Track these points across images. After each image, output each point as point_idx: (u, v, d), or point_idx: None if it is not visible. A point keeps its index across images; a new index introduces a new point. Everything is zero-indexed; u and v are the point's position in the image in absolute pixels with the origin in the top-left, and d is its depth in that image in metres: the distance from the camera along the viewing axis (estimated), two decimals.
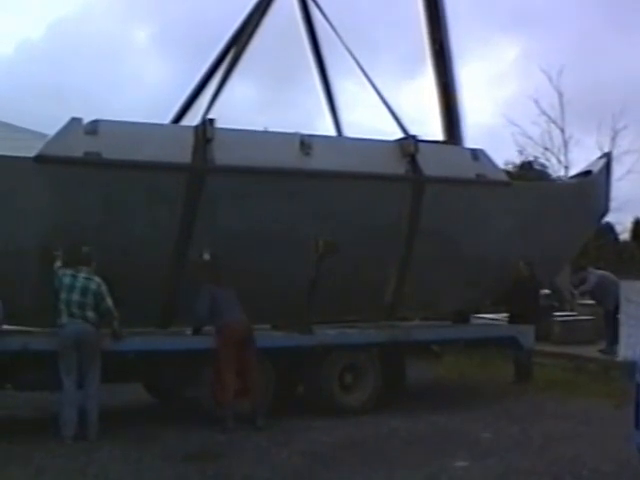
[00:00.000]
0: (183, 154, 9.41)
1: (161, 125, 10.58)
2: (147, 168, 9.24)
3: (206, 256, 9.50)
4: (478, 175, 11.01)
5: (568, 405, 10.73)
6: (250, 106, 41.87)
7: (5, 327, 8.80)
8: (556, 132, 28.05)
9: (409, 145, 10.61)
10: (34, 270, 8.92)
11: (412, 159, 10.60)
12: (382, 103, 11.39)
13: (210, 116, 10.10)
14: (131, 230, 9.22)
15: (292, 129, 11.49)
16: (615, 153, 19.63)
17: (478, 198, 10.97)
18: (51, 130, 9.25)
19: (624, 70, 37.95)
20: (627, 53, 41.88)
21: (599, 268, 16.05)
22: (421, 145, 10.75)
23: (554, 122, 27.89)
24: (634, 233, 35.49)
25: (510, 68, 46.48)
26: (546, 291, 15.49)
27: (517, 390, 11.79)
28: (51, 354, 8.60)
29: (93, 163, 9.01)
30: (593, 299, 15.73)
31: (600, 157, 13.51)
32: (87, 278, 8.73)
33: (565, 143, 27.99)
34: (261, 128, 15.12)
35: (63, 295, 8.66)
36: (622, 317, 14.45)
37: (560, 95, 27.39)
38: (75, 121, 9.11)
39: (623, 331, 14.19)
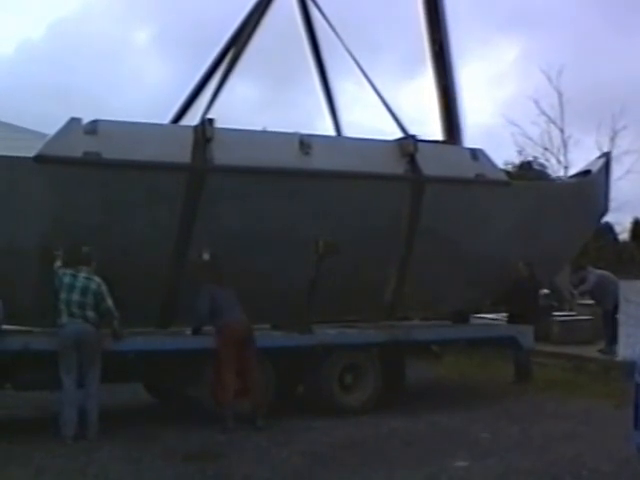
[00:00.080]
0: (183, 154, 9.41)
1: (161, 125, 10.57)
2: (147, 168, 9.23)
3: (205, 256, 9.50)
4: (477, 175, 11.00)
5: (568, 405, 10.73)
6: (250, 106, 41.92)
7: (5, 327, 8.79)
8: (555, 132, 28.10)
9: (408, 145, 10.61)
10: (34, 270, 8.92)
11: (411, 159, 10.60)
12: (381, 103, 11.39)
13: (210, 116, 10.09)
14: (131, 230, 9.22)
15: (292, 129, 11.51)
16: (614, 153, 19.66)
17: (478, 198, 10.97)
18: (51, 130, 9.25)
19: (624, 70, 37.97)
20: (627, 53, 41.88)
21: (599, 268, 16.05)
22: (420, 145, 10.75)
23: (554, 122, 27.94)
24: (633, 233, 35.49)
25: (510, 68, 46.49)
26: (546, 291, 15.50)
27: (517, 390, 11.79)
28: (51, 354, 8.60)
29: (93, 163, 9.01)
30: (592, 299, 15.72)
31: (599, 157, 13.50)
32: (87, 278, 8.73)
33: (564, 143, 28.04)
34: (260, 128, 15.18)
35: (63, 295, 8.66)
36: (621, 317, 14.45)
37: (560, 95, 27.43)
38: (74, 121, 9.10)
39: (622, 331, 14.18)
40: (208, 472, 7.37)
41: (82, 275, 8.74)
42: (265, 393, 9.64)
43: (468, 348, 12.64)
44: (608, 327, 14.77)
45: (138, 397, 10.92)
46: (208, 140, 9.49)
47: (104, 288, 8.74)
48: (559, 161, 28.21)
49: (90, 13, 55.45)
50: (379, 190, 10.33)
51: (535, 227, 11.47)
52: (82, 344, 8.58)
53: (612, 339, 14.42)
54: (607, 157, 13.37)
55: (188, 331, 9.87)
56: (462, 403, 10.92)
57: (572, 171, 18.63)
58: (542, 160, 29.40)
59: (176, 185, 9.34)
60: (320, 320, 10.55)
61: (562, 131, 27.97)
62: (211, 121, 9.69)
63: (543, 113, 27.72)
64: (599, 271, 15.46)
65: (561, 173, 26.94)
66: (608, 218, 21.55)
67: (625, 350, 13.46)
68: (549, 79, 27.39)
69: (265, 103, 46.80)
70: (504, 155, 29.96)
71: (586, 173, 12.90)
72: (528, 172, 28.57)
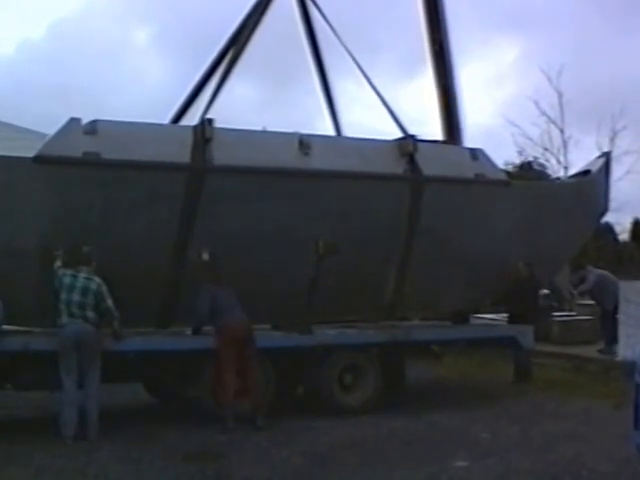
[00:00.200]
0: (182, 154, 9.40)
1: (160, 125, 10.58)
2: (146, 168, 9.23)
3: (205, 256, 9.50)
4: (477, 175, 11.00)
5: (568, 405, 10.72)
6: (249, 106, 42.00)
7: (5, 327, 8.79)
8: (555, 132, 28.17)
9: (408, 145, 10.61)
10: (34, 270, 8.91)
11: (411, 159, 10.59)
12: (381, 103, 11.41)
13: (209, 116, 10.10)
14: (130, 230, 9.22)
15: (291, 129, 11.50)
16: (614, 153, 19.65)
17: (477, 198, 10.97)
18: (51, 130, 9.25)
19: (623, 70, 38.07)
20: (626, 53, 41.98)
21: (598, 268, 16.05)
22: (420, 145, 10.75)
23: (554, 122, 28.00)
24: (633, 233, 35.54)
25: (509, 69, 46.59)
26: (545, 291, 15.49)
27: (517, 390, 11.78)
28: (51, 354, 8.60)
29: (92, 163, 9.00)
30: (592, 299, 15.73)
31: (599, 156, 13.49)
32: (87, 278, 8.73)
33: (564, 143, 28.10)
34: (260, 128, 15.18)
35: (63, 295, 8.66)
36: (621, 317, 14.45)
37: (560, 95, 27.49)
38: (74, 121, 9.10)
39: (622, 331, 14.19)
40: (208, 472, 7.37)
41: (82, 275, 8.74)
42: (265, 393, 9.65)
43: (468, 348, 12.64)
44: (607, 327, 14.78)
45: (138, 397, 10.91)
46: (207, 140, 9.48)
47: (104, 288, 8.74)
48: (559, 161, 28.30)
49: (90, 13, 55.64)
50: (379, 190, 10.33)
51: (535, 227, 11.47)
52: (82, 344, 8.58)
53: (612, 339, 14.42)
54: (607, 157, 13.37)
55: (188, 331, 9.87)
56: (462, 403, 10.91)
57: (572, 171, 18.66)
58: (542, 160, 29.47)
59: (176, 185, 9.34)
60: (320, 320, 10.55)
61: (562, 131, 28.04)
62: (211, 121, 9.68)
63: (543, 113, 27.79)
64: (599, 271, 15.48)
65: (561, 173, 26.99)
66: (608, 218, 21.64)
67: (625, 350, 13.45)
68: (549, 79, 27.47)
69: (265, 103, 46.90)
70: (504, 155, 30.07)
71: (586, 173, 12.90)
72: (528, 172, 28.61)
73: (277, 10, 11.91)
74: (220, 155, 9.54)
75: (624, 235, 35.46)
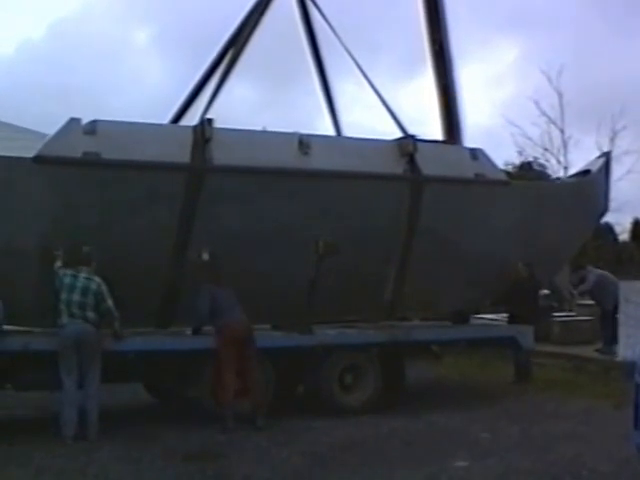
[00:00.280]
0: (182, 154, 9.40)
1: (160, 125, 10.58)
2: (146, 168, 9.23)
3: (205, 256, 9.50)
4: (477, 174, 11.00)
5: (568, 405, 10.72)
6: (249, 106, 42.02)
7: (5, 327, 8.79)
8: (556, 133, 28.17)
9: (408, 144, 10.61)
10: (34, 270, 8.91)
11: (411, 159, 10.59)
12: (381, 103, 11.40)
13: (209, 116, 10.09)
14: (130, 230, 9.21)
15: (291, 129, 11.50)
16: (614, 153, 19.65)
17: (477, 198, 10.97)
18: (51, 130, 9.25)
19: (623, 71, 38.09)
20: (626, 54, 41.96)
21: (598, 268, 16.05)
22: (420, 145, 10.74)
23: (554, 123, 28.00)
24: (633, 234, 35.56)
25: (509, 69, 46.62)
26: (545, 291, 15.49)
27: (517, 390, 11.78)
28: (51, 354, 8.60)
29: (92, 163, 9.00)
30: (592, 299, 15.72)
31: (599, 156, 13.50)
32: (88, 278, 8.73)
33: (565, 144, 28.11)
34: (260, 128, 15.19)
35: (63, 295, 8.66)
36: (621, 317, 14.46)
37: (560, 96, 27.47)
38: (74, 121, 9.10)
39: (622, 331, 14.19)
40: (208, 472, 7.37)
41: (82, 275, 8.74)
42: (265, 393, 9.65)
43: (468, 348, 12.63)
44: (607, 327, 14.78)
45: (138, 397, 10.91)
46: (207, 140, 9.49)
47: (104, 288, 8.74)
48: (559, 162, 28.30)
49: (90, 13, 55.67)
50: (379, 190, 10.33)
51: (535, 227, 11.47)
52: (82, 344, 8.58)
53: (612, 339, 14.42)
54: (607, 157, 13.36)
55: (188, 331, 9.87)
56: (462, 403, 10.91)
57: (572, 171, 18.66)
58: (542, 161, 29.47)
59: (175, 185, 9.34)
60: (320, 320, 10.55)
61: (562, 131, 28.04)
62: (210, 121, 9.68)
63: (543, 114, 27.78)
64: (599, 271, 15.48)
65: (561, 173, 26.99)
66: (608, 218, 21.62)
67: (625, 350, 13.46)
68: (549, 79, 27.47)
69: (264, 103, 46.93)
70: (504, 155, 30.08)
71: (586, 173, 12.90)
72: (528, 173, 28.62)
73: (277, 10, 11.90)
74: (220, 155, 9.54)
75: (624, 235, 35.49)
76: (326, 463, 7.72)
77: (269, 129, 14.23)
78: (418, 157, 10.61)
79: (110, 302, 8.73)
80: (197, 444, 8.48)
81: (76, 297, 8.66)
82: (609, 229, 32.43)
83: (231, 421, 9.08)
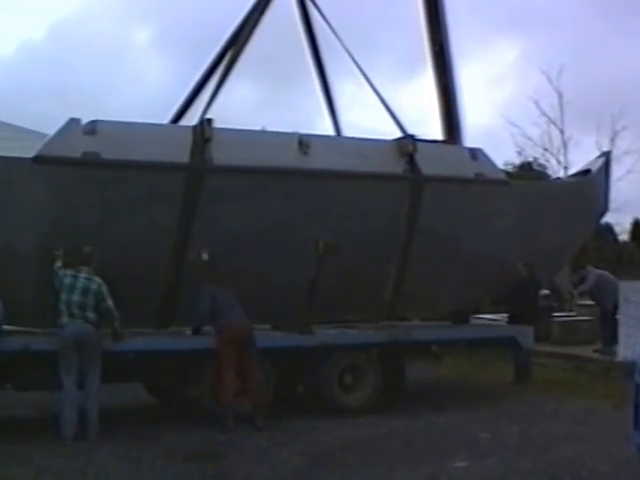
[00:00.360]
0: (181, 154, 9.40)
1: (159, 125, 10.58)
2: (146, 168, 9.23)
3: (204, 256, 9.50)
4: (477, 174, 10.98)
5: (568, 405, 10.71)
6: (249, 106, 42.05)
7: (5, 327, 8.79)
8: (555, 133, 28.16)
9: (407, 144, 10.60)
10: (34, 270, 8.91)
11: (410, 158, 10.59)
12: (381, 103, 11.40)
13: (208, 116, 10.09)
14: (130, 230, 9.21)
15: (291, 129, 11.50)
16: (614, 154, 19.65)
17: (477, 197, 10.96)
18: (52, 130, 9.24)
19: (623, 71, 38.12)
20: (626, 54, 42.01)
21: (598, 268, 16.05)
22: (419, 144, 10.74)
23: (554, 123, 27.99)
24: (633, 234, 35.59)
25: (509, 69, 46.67)
26: (545, 291, 15.49)
27: (517, 390, 11.77)
28: (51, 354, 8.60)
29: (92, 163, 9.00)
30: (592, 299, 15.72)
31: (599, 156, 13.48)
32: (88, 279, 8.73)
33: (564, 144, 28.11)
34: (259, 128, 15.18)
35: (64, 295, 8.66)
36: (621, 317, 14.46)
37: (560, 96, 27.47)
38: (73, 121, 9.10)
39: (622, 331, 14.19)
40: (208, 472, 7.37)
41: (83, 276, 8.74)
42: (265, 393, 9.65)
43: (468, 348, 12.62)
44: (607, 327, 14.78)
45: (138, 397, 10.91)
46: (207, 140, 9.48)
47: (104, 288, 8.74)
48: (559, 162, 28.29)
49: (90, 14, 55.75)
50: (378, 190, 10.32)
51: (534, 226, 11.46)
52: (82, 344, 8.58)
53: (612, 339, 14.41)
54: (607, 156, 13.35)
55: (188, 331, 9.86)
56: (462, 403, 10.91)
57: (572, 171, 18.65)
58: (542, 161, 29.47)
59: (175, 185, 9.34)
60: (320, 320, 10.54)
61: (562, 132, 28.03)
62: (210, 121, 9.69)
63: (543, 114, 27.78)
64: (598, 271, 15.48)
65: (561, 174, 26.98)
66: (608, 219, 21.60)
67: (625, 350, 13.45)
68: (549, 80, 27.46)
69: (264, 103, 46.97)
70: (504, 156, 30.10)
71: (586, 172, 12.89)
72: (528, 173, 28.62)
73: (277, 10, 11.90)
74: (219, 155, 9.54)
75: (624, 235, 35.52)
76: (326, 463, 7.72)
77: (269, 129, 14.23)
78: (418, 157, 10.60)
79: (110, 302, 8.72)
80: (197, 444, 8.48)
81: (76, 297, 8.65)
82: (609, 229, 32.44)
83: (231, 421, 9.08)
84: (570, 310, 17.83)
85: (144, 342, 9.40)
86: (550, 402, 10.91)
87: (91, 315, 8.68)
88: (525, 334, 11.67)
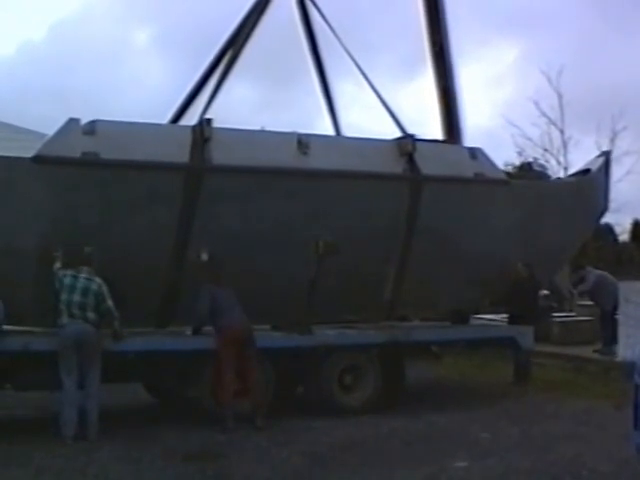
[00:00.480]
0: (181, 154, 9.41)
1: (159, 125, 10.57)
2: (145, 168, 9.23)
3: (204, 256, 9.50)
4: (476, 174, 10.98)
5: (568, 405, 10.71)
6: (248, 106, 42.08)
7: (5, 327, 8.79)
8: (555, 133, 28.10)
9: (407, 144, 10.60)
10: (33, 270, 8.91)
11: (410, 158, 10.59)
12: (381, 104, 11.40)
13: (208, 116, 10.09)
14: (130, 230, 9.21)
15: (291, 129, 11.50)
16: (614, 154, 19.62)
17: (476, 197, 10.96)
18: (52, 130, 9.24)
19: (623, 71, 38.12)
20: (627, 54, 42.04)
21: (598, 268, 16.05)
22: (419, 144, 10.74)
23: (554, 123, 27.93)
24: (633, 234, 35.61)
25: (509, 69, 46.72)
26: (545, 291, 15.49)
27: (517, 391, 11.76)
28: (51, 354, 8.60)
29: (91, 163, 9.00)
30: (591, 299, 15.72)
31: (599, 155, 13.48)
32: (88, 279, 8.73)
33: (564, 144, 28.03)
34: (259, 128, 15.17)
35: (64, 296, 8.66)
36: (621, 317, 14.47)
37: (560, 96, 27.42)
38: (73, 121, 9.10)
39: (622, 331, 14.20)
40: (208, 472, 7.37)
41: (83, 276, 8.74)
42: (265, 393, 9.65)
43: (468, 349, 12.63)
44: (606, 327, 14.77)
45: (138, 397, 10.91)
46: (206, 140, 9.49)
47: (105, 289, 8.74)
48: (559, 162, 28.23)
49: (91, 15, 55.85)
50: (378, 189, 10.32)
51: (534, 226, 11.46)
52: (82, 345, 8.58)
53: (612, 339, 14.41)
54: (607, 156, 13.35)
55: (188, 331, 9.86)
56: (462, 403, 10.92)
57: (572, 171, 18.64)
58: (542, 161, 29.44)
59: (174, 185, 9.34)
60: (320, 320, 10.54)
61: (562, 132, 27.98)
62: (209, 121, 9.69)
63: (543, 114, 27.74)
64: (598, 271, 15.47)
65: (561, 174, 26.93)
66: (608, 219, 21.60)
67: (625, 351, 13.45)
68: (549, 80, 27.41)
69: (264, 103, 47.02)
70: (504, 156, 30.04)
71: (585, 172, 12.88)
72: (528, 173, 28.59)
73: (276, 10, 11.90)
74: (219, 155, 9.54)
75: (624, 236, 35.55)
76: (326, 463, 7.72)
77: (268, 129, 14.22)
78: (417, 156, 10.60)
79: (110, 302, 8.73)
80: (197, 444, 8.48)
81: (76, 297, 8.65)
82: (609, 230, 32.44)
83: (231, 421, 9.08)
84: (570, 310, 17.82)
85: (144, 342, 9.40)
86: (550, 402, 10.90)
87: (91, 315, 8.68)
88: (525, 334, 11.67)
